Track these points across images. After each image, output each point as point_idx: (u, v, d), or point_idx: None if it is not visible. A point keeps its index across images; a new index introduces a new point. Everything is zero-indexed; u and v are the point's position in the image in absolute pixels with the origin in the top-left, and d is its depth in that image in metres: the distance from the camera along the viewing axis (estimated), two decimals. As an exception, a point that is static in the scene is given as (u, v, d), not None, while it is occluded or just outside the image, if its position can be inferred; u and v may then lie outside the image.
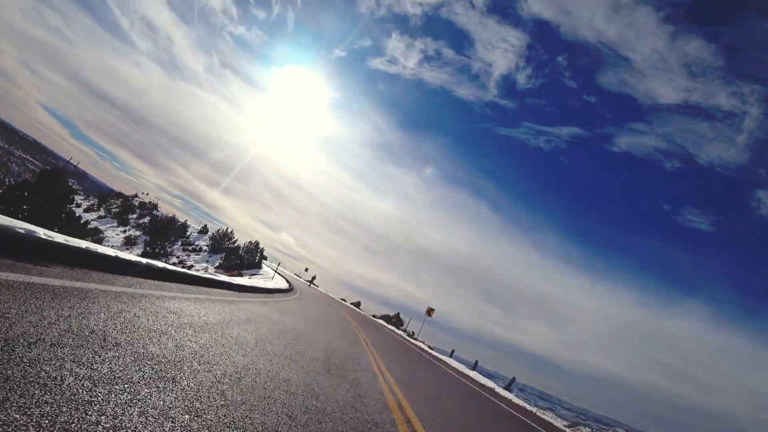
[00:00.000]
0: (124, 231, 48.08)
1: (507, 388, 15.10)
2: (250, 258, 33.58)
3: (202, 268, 33.31)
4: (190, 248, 42.47)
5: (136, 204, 65.00)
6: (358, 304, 48.17)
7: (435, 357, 20.57)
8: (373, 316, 43.51)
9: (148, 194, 61.46)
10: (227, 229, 40.29)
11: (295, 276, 68.27)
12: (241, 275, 27.99)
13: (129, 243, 42.54)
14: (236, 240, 37.88)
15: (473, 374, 17.39)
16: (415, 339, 29.25)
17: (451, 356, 21.12)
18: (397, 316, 37.18)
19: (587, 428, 16.72)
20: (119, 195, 71.80)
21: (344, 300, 52.15)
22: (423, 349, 22.53)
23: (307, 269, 65.02)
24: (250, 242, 34.56)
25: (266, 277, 25.91)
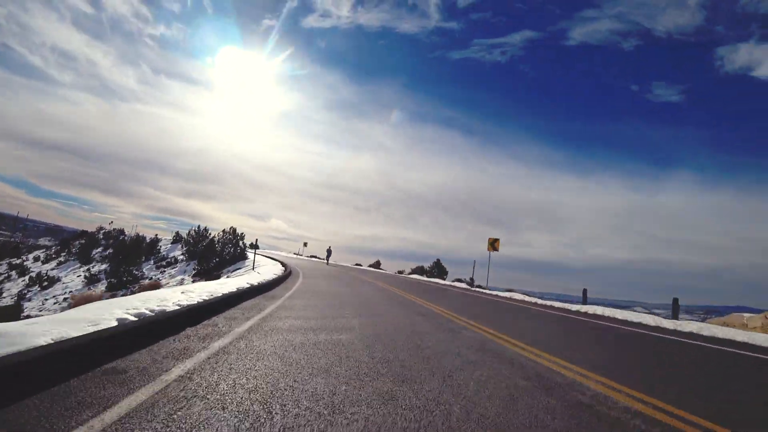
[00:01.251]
0: (87, 269, 40.74)
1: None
2: (231, 251, 26.39)
3: (176, 281, 26.24)
4: (164, 263, 35.21)
5: (101, 237, 57.14)
6: (377, 265, 41.69)
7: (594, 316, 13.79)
8: (399, 272, 37.15)
9: (112, 223, 52.93)
10: (199, 227, 32.68)
11: (295, 255, 60.48)
12: (218, 276, 20.92)
13: (91, 281, 35.21)
14: (211, 235, 30.43)
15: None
16: (481, 287, 22.70)
17: (584, 302, 13.78)
18: (438, 263, 30.20)
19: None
20: (82, 233, 63.76)
21: (359, 264, 45.67)
22: (531, 303, 15.79)
23: (306, 244, 57.17)
24: (224, 231, 27.18)
25: (250, 270, 18.92)
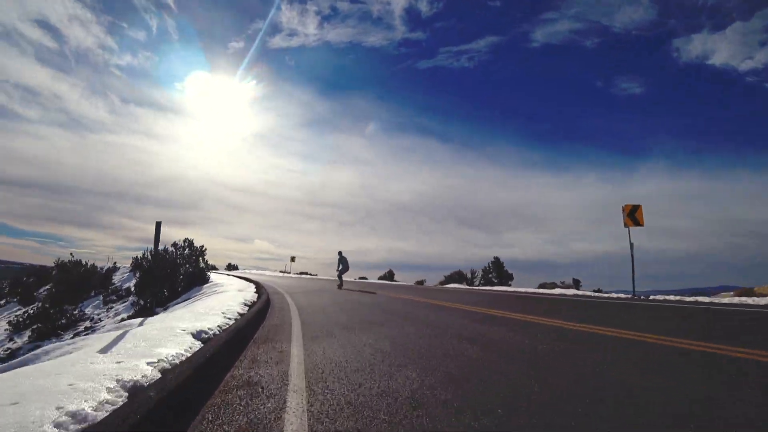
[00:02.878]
0: (25, 311, 32.54)
1: None
2: (190, 269, 18.69)
3: (115, 323, 18.41)
4: (114, 297, 27.17)
5: (55, 272, 48.59)
6: (390, 276, 33.50)
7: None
8: (418, 282, 29.69)
9: (72, 255, 44.08)
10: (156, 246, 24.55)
11: (281, 273, 51.41)
12: (154, 313, 13.26)
13: (19, 327, 27.00)
14: (168, 254, 22.47)
15: None
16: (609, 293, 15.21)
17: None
18: (497, 263, 21.99)
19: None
20: (38, 269, 55.03)
21: (365, 278, 37.72)
22: None
23: (293, 259, 48.84)
24: (175, 245, 19.42)
25: (203, 308, 11.28)
